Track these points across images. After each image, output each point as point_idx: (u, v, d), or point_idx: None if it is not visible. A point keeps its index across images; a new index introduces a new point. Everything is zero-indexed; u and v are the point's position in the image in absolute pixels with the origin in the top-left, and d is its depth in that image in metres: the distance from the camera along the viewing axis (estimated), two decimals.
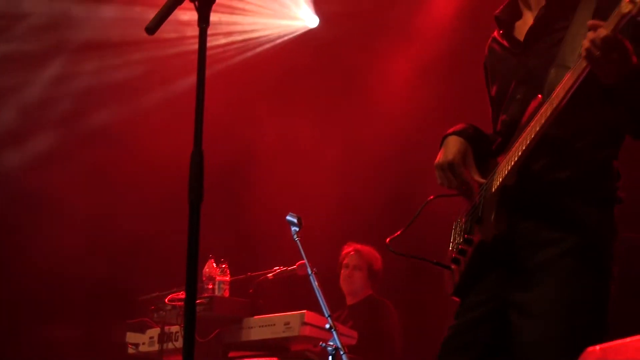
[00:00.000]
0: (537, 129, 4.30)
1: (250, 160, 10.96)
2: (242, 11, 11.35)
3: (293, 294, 8.70)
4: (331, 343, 7.38)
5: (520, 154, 4.38)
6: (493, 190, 4.46)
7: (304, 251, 7.74)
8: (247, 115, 11.26)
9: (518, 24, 4.74)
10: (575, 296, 4.40)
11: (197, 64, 3.97)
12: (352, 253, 9.39)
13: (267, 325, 8.34)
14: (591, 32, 3.99)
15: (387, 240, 4.80)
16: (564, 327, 4.37)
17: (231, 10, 11.30)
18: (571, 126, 4.44)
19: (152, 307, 8.50)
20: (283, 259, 8.47)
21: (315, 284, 7.62)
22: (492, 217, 4.46)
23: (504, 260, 4.51)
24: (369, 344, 8.85)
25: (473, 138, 4.68)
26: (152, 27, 3.86)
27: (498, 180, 4.48)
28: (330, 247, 9.69)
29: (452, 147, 4.64)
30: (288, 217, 7.63)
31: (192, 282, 3.84)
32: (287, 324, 8.22)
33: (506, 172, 4.44)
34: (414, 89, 10.75)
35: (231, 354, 8.48)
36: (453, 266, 4.58)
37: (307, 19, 11.54)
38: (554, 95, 4.25)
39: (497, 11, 4.86)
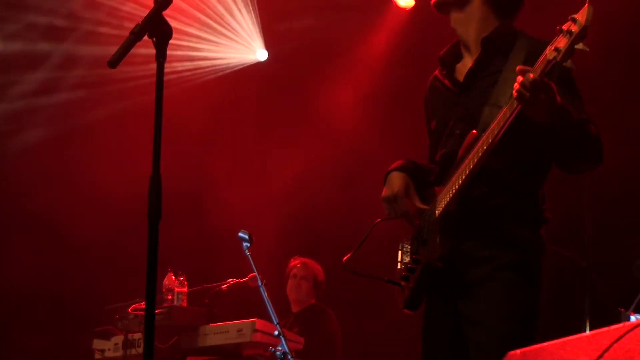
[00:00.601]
0: (475, 161, 4.45)
1: (207, 180, 10.97)
2: (198, 40, 11.28)
3: (245, 303, 8.75)
4: (280, 348, 7.62)
5: (460, 183, 4.53)
6: (436, 215, 4.56)
7: (254, 264, 7.88)
8: (202, 138, 11.22)
9: (458, 65, 4.89)
10: (511, 305, 4.56)
11: (155, 96, 4.05)
12: (299, 265, 9.55)
13: (221, 332, 8.40)
14: (520, 76, 4.13)
15: (344, 259, 4.91)
16: (500, 333, 4.52)
17: (187, 38, 11.19)
18: (506, 159, 4.58)
19: (117, 316, 8.54)
20: (236, 271, 8.52)
21: (265, 294, 7.82)
22: (437, 239, 4.61)
23: (449, 276, 4.63)
24: (314, 348, 8.97)
25: (412, 172, 4.86)
26: (114, 62, 3.93)
27: (441, 207, 4.62)
28: (279, 260, 9.76)
29: (395, 181, 4.80)
30: (240, 234, 7.86)
31: (152, 293, 3.95)
32: (239, 330, 8.30)
33: (448, 199, 4.59)
34: (359, 114, 10.84)
35: (189, 359, 8.45)
36: (403, 283, 4.71)
37: (258, 53, 11.51)
38: (488, 131, 4.41)
39: (441, 52, 4.97)
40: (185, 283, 8.57)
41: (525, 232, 4.65)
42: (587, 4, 4.01)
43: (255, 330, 8.20)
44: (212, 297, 8.64)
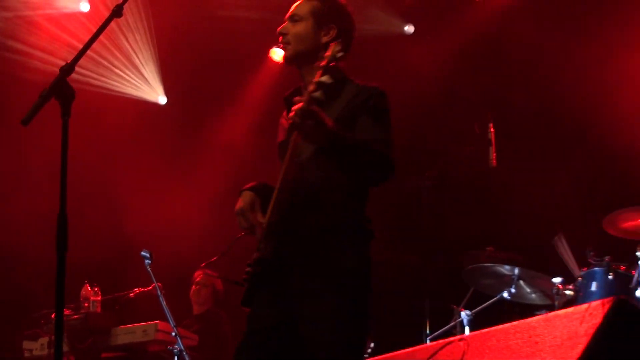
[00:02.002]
0: (278, 186, 4.42)
1: (119, 203, 10.80)
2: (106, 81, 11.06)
3: (149, 308, 8.70)
4: (176, 346, 7.78)
5: (274, 200, 4.43)
6: (264, 225, 4.50)
7: (154, 276, 7.92)
8: (111, 157, 11.02)
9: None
10: (340, 311, 4.34)
11: (61, 149, 3.97)
12: (202, 275, 9.63)
13: (129, 332, 8.46)
14: (294, 105, 4.17)
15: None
16: (332, 339, 4.32)
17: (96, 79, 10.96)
18: (325, 180, 4.46)
19: (42, 321, 8.63)
20: (142, 282, 8.49)
21: (163, 302, 7.90)
22: (262, 245, 4.47)
23: (279, 281, 4.47)
24: (208, 346, 9.07)
25: (260, 191, 4.73)
26: (26, 121, 3.84)
27: (267, 218, 4.49)
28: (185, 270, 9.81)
29: (244, 198, 4.66)
30: (142, 253, 7.92)
31: (60, 309, 3.99)
32: (144, 331, 8.38)
33: (270, 211, 4.45)
34: (246, 142, 10.82)
35: (103, 355, 8.55)
36: (245, 283, 4.66)
37: (158, 97, 11.39)
38: (287, 155, 4.41)
39: (286, 94, 4.85)
40: (99, 292, 8.54)
41: (348, 245, 4.46)
42: (333, 44, 4.25)
43: (157, 331, 8.29)
44: (121, 304, 8.66)
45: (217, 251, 10.47)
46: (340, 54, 4.24)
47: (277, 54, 10.44)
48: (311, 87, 4.12)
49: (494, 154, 7.65)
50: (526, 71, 9.87)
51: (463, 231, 9.58)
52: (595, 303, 2.42)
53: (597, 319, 2.37)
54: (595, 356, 2.28)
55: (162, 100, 11.36)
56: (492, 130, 7.68)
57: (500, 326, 2.69)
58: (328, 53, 4.20)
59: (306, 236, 4.48)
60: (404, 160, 9.82)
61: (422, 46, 10.29)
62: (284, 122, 4.89)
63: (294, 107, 4.14)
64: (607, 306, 2.37)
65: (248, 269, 4.55)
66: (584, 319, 2.40)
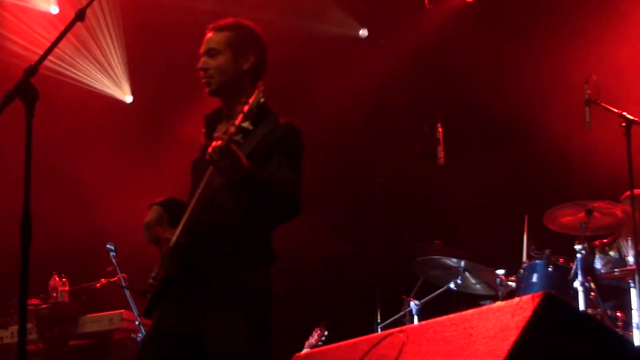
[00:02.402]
0: (190, 208, 4.43)
1: (87, 194, 10.69)
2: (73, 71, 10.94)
3: (114, 298, 8.64)
4: (139, 334, 7.77)
5: (185, 220, 4.45)
6: (171, 244, 4.50)
7: (119, 269, 7.87)
8: (81, 150, 10.89)
9: (219, 126, 4.79)
10: (241, 327, 4.39)
11: (25, 149, 3.87)
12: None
13: (96, 321, 8.41)
14: (214, 142, 4.13)
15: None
16: (235, 353, 4.39)
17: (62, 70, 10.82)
18: (235, 207, 4.47)
19: (13, 310, 8.47)
20: (108, 273, 8.42)
21: (127, 292, 7.86)
22: (169, 262, 4.48)
23: (183, 297, 4.48)
24: None
25: (169, 206, 4.74)
26: None
27: (174, 238, 4.50)
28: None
29: (152, 212, 4.67)
30: (107, 246, 7.87)
31: (24, 298, 3.95)
32: (110, 319, 8.34)
33: (178, 233, 4.47)
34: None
35: (71, 343, 8.49)
36: (148, 295, 4.65)
37: (126, 97, 11.29)
38: (202, 184, 4.40)
39: (208, 113, 4.84)
40: (67, 283, 8.47)
41: (250, 269, 4.52)
42: (256, 91, 4.20)
43: (123, 319, 8.25)
44: (88, 294, 8.57)
45: None
46: (262, 100, 4.15)
47: None
48: (232, 129, 4.08)
49: (442, 153, 7.64)
50: (471, 74, 9.95)
51: (413, 225, 9.62)
52: (526, 297, 2.43)
53: (528, 312, 2.37)
54: (525, 347, 2.28)
55: (129, 99, 11.28)
56: (440, 130, 7.68)
57: (438, 319, 2.69)
58: (251, 99, 4.11)
59: (211, 258, 4.49)
60: (358, 158, 9.91)
61: (376, 49, 10.33)
62: (203, 140, 4.89)
63: (214, 144, 4.11)
64: (537, 300, 2.37)
65: (153, 282, 4.59)
66: (515, 312, 2.41)
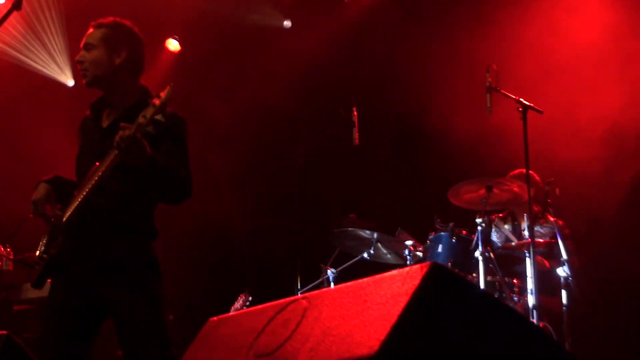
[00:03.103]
0: (90, 185, 4.42)
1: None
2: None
3: None
4: None
5: (79, 200, 4.46)
6: (64, 220, 4.48)
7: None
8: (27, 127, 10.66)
9: (105, 112, 4.79)
10: (132, 296, 4.47)
11: None
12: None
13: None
14: (121, 130, 4.17)
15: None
16: (135, 322, 4.46)
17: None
18: (120, 190, 4.54)
19: None
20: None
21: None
22: (60, 239, 4.52)
23: (73, 272, 4.54)
24: None
25: (56, 184, 4.75)
26: None
27: (67, 215, 4.53)
28: None
29: (39, 189, 4.70)
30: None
31: None
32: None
33: (72, 211, 4.50)
34: None
35: (15, 307, 8.43)
36: (37, 266, 4.62)
37: (68, 82, 11.09)
38: (102, 166, 4.40)
39: (93, 101, 4.84)
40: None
41: (134, 245, 4.58)
42: (168, 87, 4.17)
43: None
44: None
45: None
46: (170, 95, 4.16)
47: (172, 44, 10.26)
48: (142, 120, 4.13)
49: (357, 134, 7.62)
50: (386, 62, 10.03)
51: (331, 200, 9.64)
52: (415, 267, 2.43)
53: (416, 281, 2.37)
54: (413, 312, 2.29)
55: (70, 82, 11.08)
56: (355, 113, 7.65)
57: (337, 286, 2.67)
58: (163, 94, 4.13)
59: (101, 235, 4.53)
60: (281, 137, 9.87)
61: (299, 39, 10.31)
62: (90, 124, 4.88)
63: (122, 133, 4.14)
64: (424, 270, 2.38)
65: (45, 256, 4.55)
66: (405, 280, 2.40)
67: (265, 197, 10.24)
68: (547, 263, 7.88)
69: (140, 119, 4.14)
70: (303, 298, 2.76)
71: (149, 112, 4.12)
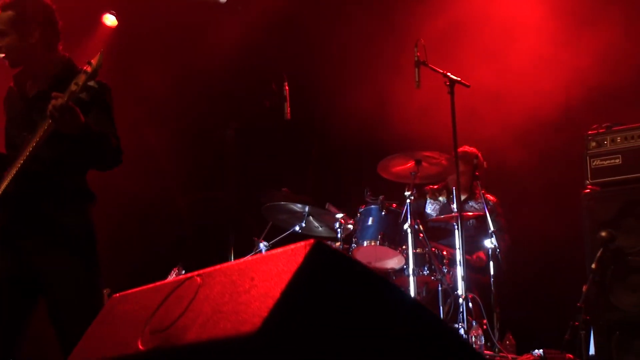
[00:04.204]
0: (24, 156, 4.41)
1: None
2: None
3: None
4: None
5: (15, 171, 4.44)
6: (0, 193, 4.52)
7: None
8: None
9: (29, 83, 4.74)
10: (72, 264, 4.52)
11: None
12: None
13: None
14: (53, 100, 4.18)
15: None
16: (67, 286, 4.50)
17: None
18: (54, 158, 4.56)
19: None
20: None
21: None
22: None
23: (13, 240, 4.54)
24: None
25: None
26: None
27: (3, 186, 4.49)
28: None
29: None
30: None
31: None
32: None
33: (7, 182, 4.48)
34: None
35: None
36: None
37: None
38: (36, 136, 4.38)
39: (16, 73, 4.84)
40: None
41: (71, 210, 4.60)
42: (99, 52, 4.20)
43: None
44: None
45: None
46: (101, 62, 4.17)
47: (109, 19, 10.10)
48: (74, 87, 4.12)
49: (288, 109, 7.59)
50: (317, 38, 9.99)
51: (263, 174, 9.64)
52: (299, 245, 2.42)
53: (300, 258, 2.37)
54: (296, 290, 2.29)
55: None
56: (287, 88, 7.63)
57: (228, 263, 2.67)
58: (94, 60, 4.14)
59: (38, 204, 4.54)
60: (214, 110, 9.80)
61: (234, 15, 10.23)
62: (15, 96, 4.87)
63: (54, 102, 4.14)
64: (307, 248, 2.38)
65: None
66: (289, 258, 2.40)
67: (200, 171, 10.20)
68: (484, 258, 7.96)
69: (73, 87, 4.14)
70: (198, 275, 2.76)
71: (81, 78, 4.12)
